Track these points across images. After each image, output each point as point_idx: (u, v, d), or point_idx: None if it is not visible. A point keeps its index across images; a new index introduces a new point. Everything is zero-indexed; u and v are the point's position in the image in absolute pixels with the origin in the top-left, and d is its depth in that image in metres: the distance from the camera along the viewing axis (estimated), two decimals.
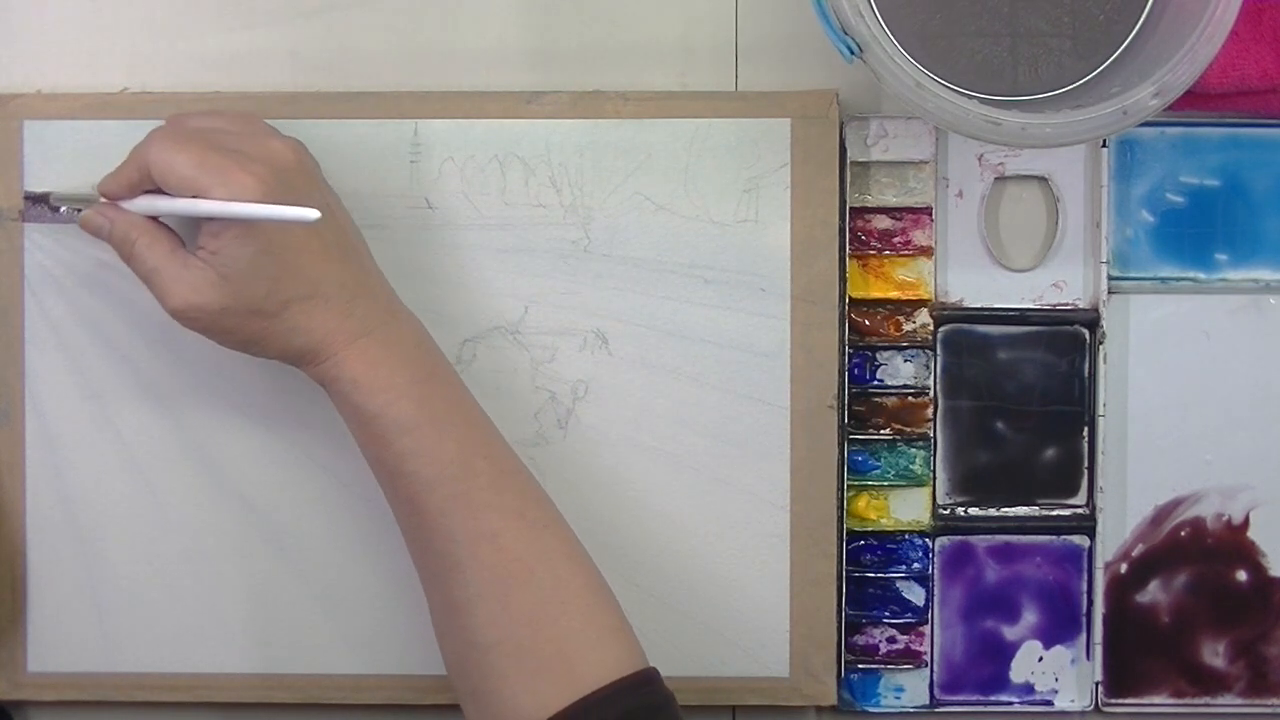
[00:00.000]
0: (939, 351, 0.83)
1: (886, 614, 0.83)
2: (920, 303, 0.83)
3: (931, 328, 0.83)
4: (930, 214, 0.82)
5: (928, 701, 0.83)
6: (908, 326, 0.83)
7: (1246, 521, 0.83)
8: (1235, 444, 0.83)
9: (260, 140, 0.74)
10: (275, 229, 0.72)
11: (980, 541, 0.83)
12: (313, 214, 0.69)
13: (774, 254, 0.81)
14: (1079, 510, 0.83)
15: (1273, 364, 0.83)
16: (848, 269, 0.82)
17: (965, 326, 0.83)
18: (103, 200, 0.76)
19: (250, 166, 0.72)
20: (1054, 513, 0.83)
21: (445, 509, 0.72)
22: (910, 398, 0.83)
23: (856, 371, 0.83)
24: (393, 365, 0.74)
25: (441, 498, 0.73)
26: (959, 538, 0.83)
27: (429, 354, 0.76)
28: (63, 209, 0.80)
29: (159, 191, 0.73)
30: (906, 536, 0.83)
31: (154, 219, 0.75)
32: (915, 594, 0.83)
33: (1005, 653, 0.83)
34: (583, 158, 0.81)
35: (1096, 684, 0.83)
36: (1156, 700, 0.83)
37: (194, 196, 0.71)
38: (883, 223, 0.83)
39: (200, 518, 0.82)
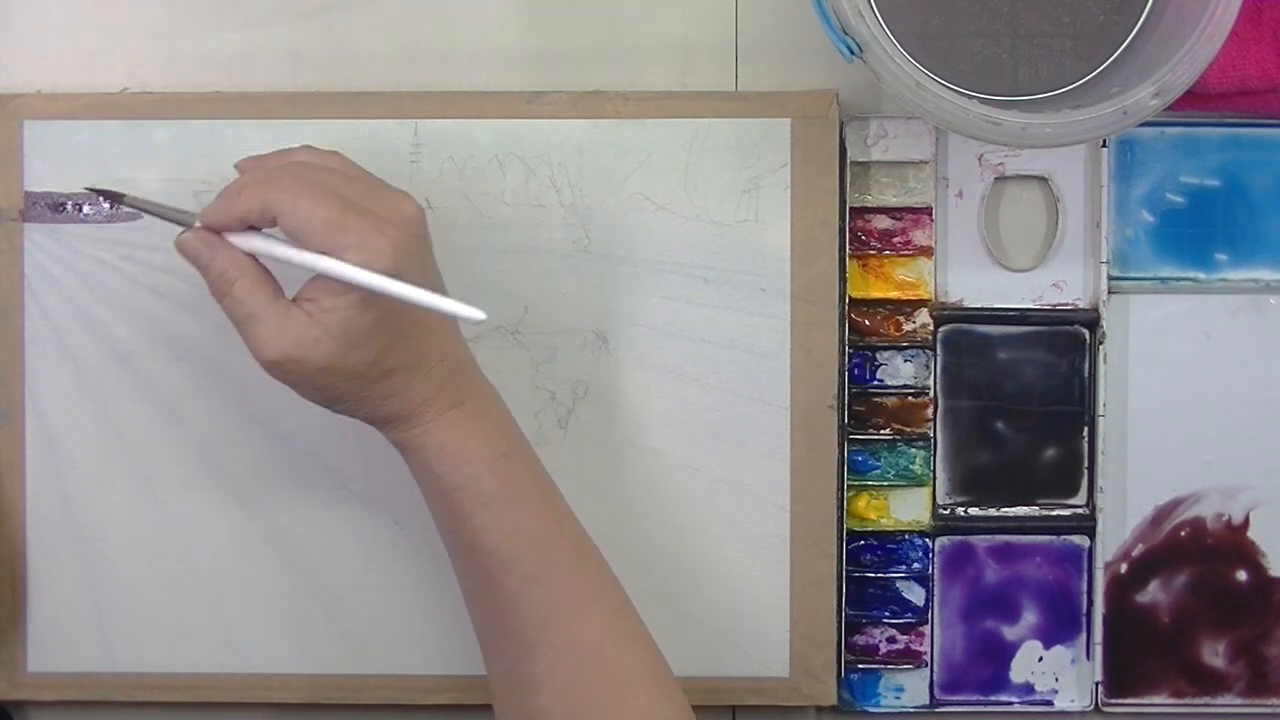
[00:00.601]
0: (939, 351, 0.83)
1: (886, 614, 0.83)
2: (920, 303, 0.83)
3: (931, 328, 0.83)
4: (930, 214, 0.82)
5: (928, 701, 0.83)
6: (908, 326, 0.83)
7: (1246, 521, 0.83)
8: (1235, 444, 0.83)
9: (389, 199, 0.71)
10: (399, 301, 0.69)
11: (980, 541, 0.83)
12: (480, 315, 0.67)
13: (774, 254, 0.81)
14: (1079, 510, 0.83)
15: (1273, 364, 0.83)
16: (848, 269, 0.82)
17: (965, 326, 0.83)
18: (200, 225, 0.71)
19: (386, 230, 0.68)
20: (1054, 513, 0.83)
21: (522, 587, 0.71)
22: (910, 398, 0.83)
23: (856, 371, 0.83)
24: (480, 438, 0.72)
25: (519, 576, 0.71)
26: (959, 538, 0.83)
27: (509, 427, 0.74)
28: (143, 209, 0.75)
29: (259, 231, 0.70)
30: (906, 536, 0.83)
31: (253, 258, 0.70)
32: (915, 594, 0.83)
33: (1005, 653, 0.83)
34: (583, 158, 0.81)
35: (1096, 684, 0.83)
36: (1156, 700, 0.83)
37: (324, 253, 0.68)
38: (883, 223, 0.83)
39: (200, 518, 0.82)
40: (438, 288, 0.72)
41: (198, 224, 0.71)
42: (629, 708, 0.71)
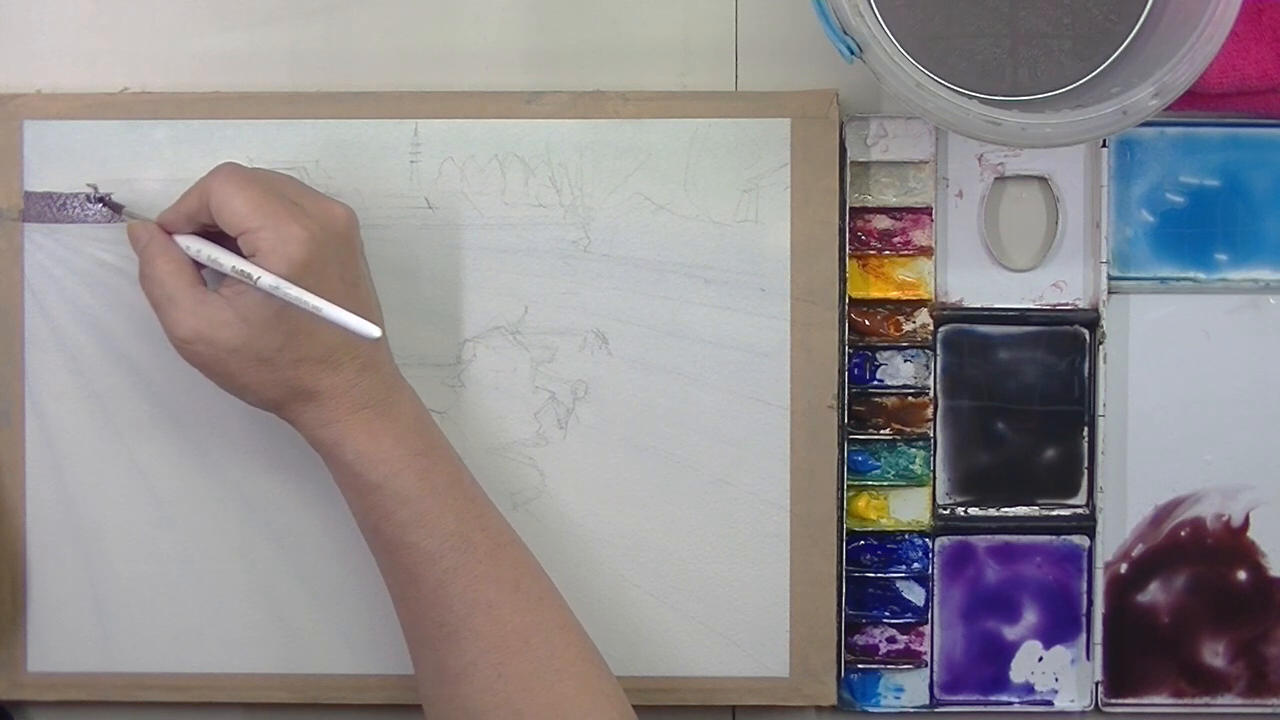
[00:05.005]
0: (939, 351, 0.83)
1: (886, 614, 0.83)
2: (920, 303, 0.83)
3: (931, 328, 0.83)
4: (930, 214, 0.82)
5: (928, 701, 0.83)
6: (908, 326, 0.83)
7: (1246, 521, 0.83)
8: (1235, 444, 0.83)
9: (320, 199, 0.75)
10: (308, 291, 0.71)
11: (980, 541, 0.83)
12: (374, 331, 0.69)
13: (774, 254, 0.81)
14: (1079, 510, 0.83)
15: (1273, 364, 0.83)
16: (848, 269, 0.82)
17: (965, 326, 0.83)
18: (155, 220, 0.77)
19: (303, 220, 0.72)
20: (1054, 513, 0.83)
21: (444, 580, 0.73)
22: (910, 398, 0.83)
23: (856, 371, 0.83)
24: (395, 437, 0.74)
25: (440, 569, 0.73)
26: (959, 538, 0.83)
27: (428, 428, 0.76)
28: (119, 210, 0.81)
29: (218, 237, 0.74)
30: (906, 536, 0.83)
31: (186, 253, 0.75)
32: (915, 594, 0.83)
33: (1005, 653, 0.83)
34: (583, 158, 0.81)
35: (1096, 684, 0.83)
36: (1156, 700, 0.83)
37: (243, 233, 0.72)
38: (883, 223, 0.83)
39: (200, 518, 0.82)
40: (362, 295, 0.75)
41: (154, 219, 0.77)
42: (556, 695, 0.72)
